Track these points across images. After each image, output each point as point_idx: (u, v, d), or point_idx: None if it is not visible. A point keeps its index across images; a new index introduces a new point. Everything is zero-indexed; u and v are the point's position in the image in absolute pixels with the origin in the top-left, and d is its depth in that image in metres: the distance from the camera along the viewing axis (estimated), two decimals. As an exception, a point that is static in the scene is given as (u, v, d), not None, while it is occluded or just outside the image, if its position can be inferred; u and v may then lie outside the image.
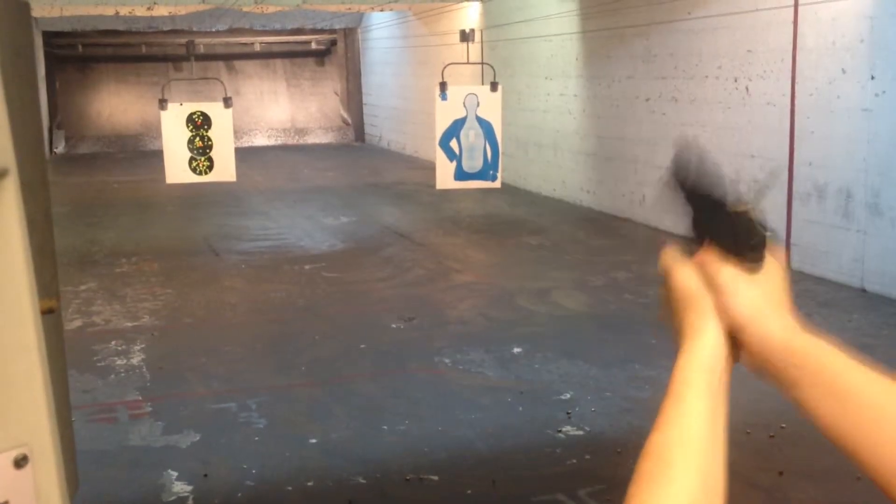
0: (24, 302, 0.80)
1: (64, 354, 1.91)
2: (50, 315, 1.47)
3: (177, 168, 10.13)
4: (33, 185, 1.64)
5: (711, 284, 0.93)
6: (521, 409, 5.53)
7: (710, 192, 0.96)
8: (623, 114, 11.89)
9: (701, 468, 0.84)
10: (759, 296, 0.92)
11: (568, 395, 5.71)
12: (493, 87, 10.06)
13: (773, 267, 0.94)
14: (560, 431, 5.16)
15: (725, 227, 0.93)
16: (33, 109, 1.67)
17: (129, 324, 7.50)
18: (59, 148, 22.68)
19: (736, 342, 0.93)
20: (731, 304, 0.92)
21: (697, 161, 0.97)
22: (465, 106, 10.04)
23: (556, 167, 13.89)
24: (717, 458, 0.87)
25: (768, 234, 0.92)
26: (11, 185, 0.82)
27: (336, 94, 25.70)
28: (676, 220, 0.99)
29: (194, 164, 10.12)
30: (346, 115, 25.52)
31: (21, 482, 0.81)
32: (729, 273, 0.92)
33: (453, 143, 10.06)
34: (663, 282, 0.99)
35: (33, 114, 1.67)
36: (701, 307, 0.93)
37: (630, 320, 7.35)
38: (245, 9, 15.53)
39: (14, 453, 0.81)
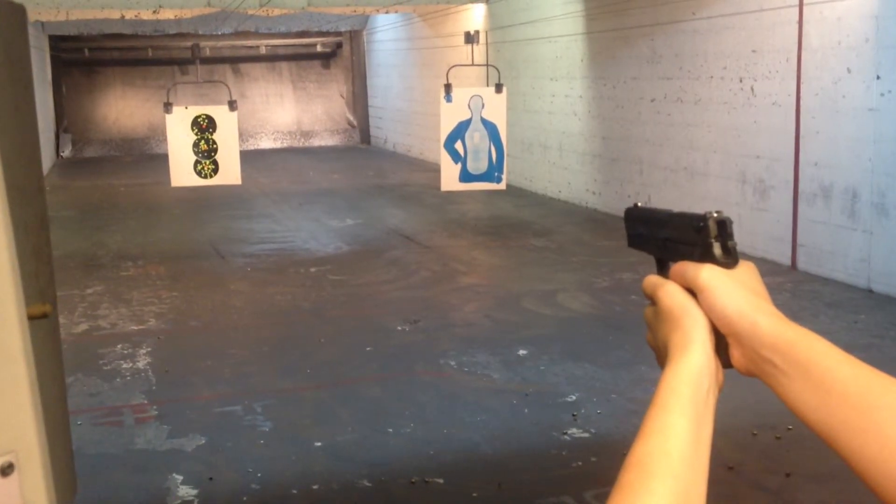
0: (10, 308, 0.79)
1: (61, 359, 1.91)
2: (45, 320, 1.46)
3: (182, 171, 10.15)
4: (28, 190, 1.63)
5: (694, 286, 0.94)
6: (526, 411, 5.51)
7: (662, 213, 1.03)
8: (628, 115, 11.87)
9: (682, 481, 0.84)
10: (741, 288, 0.92)
11: (574, 398, 5.69)
12: (498, 88, 10.06)
13: (746, 264, 0.96)
14: (566, 434, 5.14)
15: (691, 237, 0.96)
16: (28, 114, 1.67)
17: (135, 327, 7.51)
18: (66, 152, 22.74)
19: (725, 345, 0.93)
20: (717, 300, 0.92)
21: (642, 207, 1.10)
22: (469, 108, 10.03)
23: (561, 168, 13.87)
24: (700, 472, 0.86)
25: (732, 239, 0.95)
26: (-3, 189, 0.81)
27: (341, 96, 25.72)
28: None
29: (199, 167, 10.13)
30: (351, 118, 25.54)
31: (7, 490, 0.80)
32: (709, 271, 0.94)
33: (458, 145, 10.05)
34: (650, 304, 1.00)
35: (28, 118, 1.67)
36: (689, 324, 0.93)
37: (636, 322, 7.31)
38: (250, 12, 15.55)
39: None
